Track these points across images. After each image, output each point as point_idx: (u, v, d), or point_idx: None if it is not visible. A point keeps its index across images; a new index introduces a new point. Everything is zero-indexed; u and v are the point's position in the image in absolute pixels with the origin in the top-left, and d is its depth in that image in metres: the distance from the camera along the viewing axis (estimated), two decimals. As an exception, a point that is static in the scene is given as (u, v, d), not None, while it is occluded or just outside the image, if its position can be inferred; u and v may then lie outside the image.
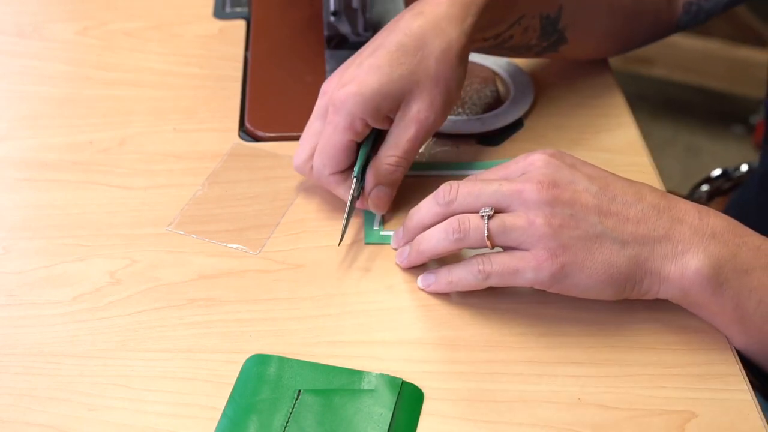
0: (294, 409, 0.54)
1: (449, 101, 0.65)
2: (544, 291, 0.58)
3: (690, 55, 1.92)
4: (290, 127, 0.76)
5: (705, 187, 1.08)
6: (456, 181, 0.59)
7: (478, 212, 0.57)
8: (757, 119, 1.98)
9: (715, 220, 0.56)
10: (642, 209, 0.56)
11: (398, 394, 0.55)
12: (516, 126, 0.76)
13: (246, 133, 0.76)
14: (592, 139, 0.75)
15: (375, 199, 0.65)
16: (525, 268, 0.56)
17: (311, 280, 0.63)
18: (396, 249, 0.64)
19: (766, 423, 0.55)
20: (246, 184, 0.71)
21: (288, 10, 0.91)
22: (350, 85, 0.62)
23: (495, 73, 0.81)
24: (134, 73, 0.83)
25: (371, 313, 0.61)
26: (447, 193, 0.59)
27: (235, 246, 0.65)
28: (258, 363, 0.57)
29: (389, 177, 0.65)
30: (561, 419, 0.54)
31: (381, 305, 0.61)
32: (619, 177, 0.59)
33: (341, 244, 0.64)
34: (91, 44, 0.87)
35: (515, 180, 0.57)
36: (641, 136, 0.76)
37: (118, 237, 0.66)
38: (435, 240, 0.59)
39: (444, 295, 0.61)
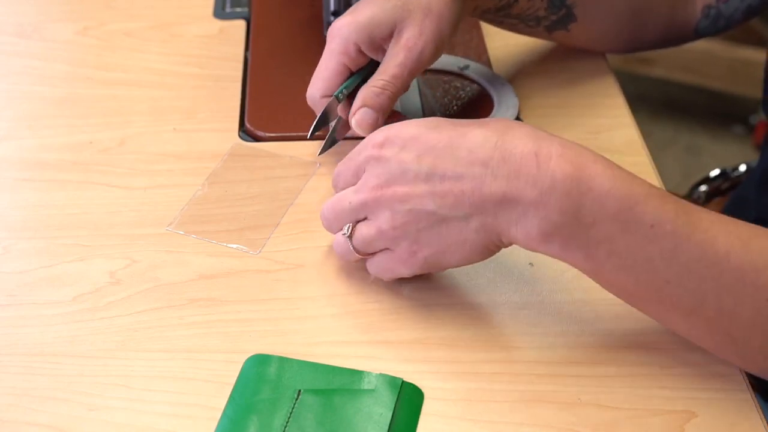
0: (294, 409, 0.54)
1: (439, 34, 0.67)
2: (544, 291, 0.58)
3: (690, 55, 1.92)
4: (290, 127, 0.76)
5: (703, 188, 1.08)
6: (324, 205, 0.61)
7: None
8: (757, 119, 1.98)
9: (557, 165, 0.52)
10: (474, 174, 0.53)
11: (398, 394, 0.55)
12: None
13: (246, 133, 0.76)
14: (592, 139, 0.75)
15: (358, 119, 0.67)
16: (396, 266, 0.59)
17: (311, 280, 0.63)
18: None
19: (766, 423, 0.55)
20: (246, 184, 0.71)
21: (288, 10, 0.91)
22: (347, 15, 0.67)
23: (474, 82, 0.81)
24: (134, 73, 0.83)
25: (371, 313, 0.61)
26: (322, 218, 0.61)
27: (235, 246, 0.65)
28: (258, 363, 0.57)
29: (375, 99, 0.66)
30: (561, 419, 0.54)
31: (381, 305, 0.61)
32: (454, 134, 0.55)
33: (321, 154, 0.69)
34: (91, 44, 0.87)
35: (358, 190, 0.58)
36: (641, 136, 0.76)
37: (118, 237, 0.66)
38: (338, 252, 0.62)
39: (445, 295, 0.61)
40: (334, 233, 0.61)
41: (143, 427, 0.54)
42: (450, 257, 0.57)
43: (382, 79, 0.66)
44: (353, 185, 0.59)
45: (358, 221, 0.59)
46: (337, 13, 0.81)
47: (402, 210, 0.56)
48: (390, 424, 0.53)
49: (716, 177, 1.08)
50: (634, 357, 0.58)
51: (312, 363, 0.57)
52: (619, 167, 0.53)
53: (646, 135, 0.76)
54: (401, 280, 0.61)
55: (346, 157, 0.60)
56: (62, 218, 0.68)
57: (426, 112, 0.78)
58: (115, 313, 0.60)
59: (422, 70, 0.68)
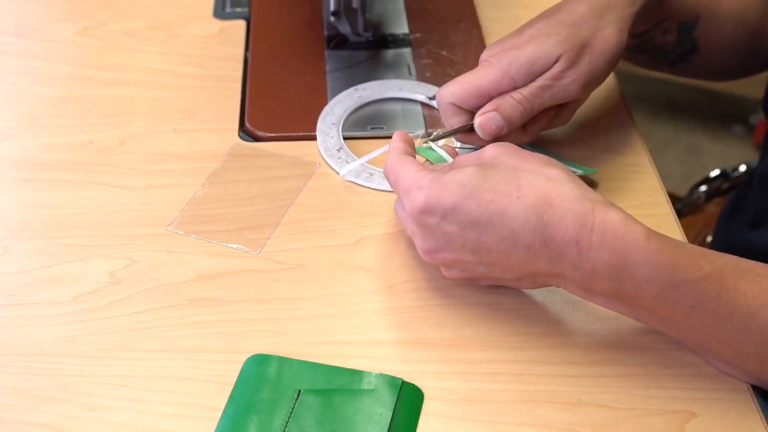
0: (294, 409, 0.54)
1: (593, 72, 0.66)
2: (543, 291, 0.58)
3: (690, 55, 1.91)
4: (290, 127, 0.76)
5: (703, 188, 1.08)
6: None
7: None
8: (757, 119, 1.98)
9: (597, 254, 0.53)
10: (519, 254, 0.55)
11: (398, 394, 0.55)
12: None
13: (246, 133, 0.76)
14: (592, 139, 0.75)
15: (483, 121, 0.66)
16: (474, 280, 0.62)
17: (311, 280, 0.63)
18: None
19: (766, 423, 0.55)
20: (246, 184, 0.71)
21: (288, 10, 0.91)
22: (510, 43, 0.67)
23: None
24: (134, 73, 0.83)
25: (371, 313, 0.61)
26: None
27: (235, 246, 0.65)
28: (258, 363, 0.57)
29: (508, 109, 0.65)
30: (561, 419, 0.54)
31: (381, 305, 0.61)
32: (492, 209, 0.55)
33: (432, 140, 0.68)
34: (91, 44, 0.87)
35: (415, 239, 0.60)
36: (641, 136, 0.76)
37: (118, 237, 0.66)
38: None
39: (444, 295, 0.62)
40: None
41: (143, 427, 0.54)
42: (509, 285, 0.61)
43: (521, 94, 0.66)
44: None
45: None
46: (337, 13, 0.81)
47: (456, 270, 0.59)
48: (390, 424, 0.53)
49: (716, 177, 1.08)
50: (634, 357, 0.58)
51: (312, 363, 0.57)
52: (664, 242, 0.53)
53: (646, 135, 0.76)
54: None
55: (393, 179, 0.61)
56: (62, 218, 0.68)
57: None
58: (115, 313, 0.60)
59: (564, 101, 0.67)
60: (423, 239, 0.58)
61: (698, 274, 0.53)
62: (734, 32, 0.79)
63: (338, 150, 0.73)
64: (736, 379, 0.57)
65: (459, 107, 0.67)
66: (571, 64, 0.65)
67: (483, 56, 0.68)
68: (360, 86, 0.79)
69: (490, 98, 0.66)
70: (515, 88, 0.66)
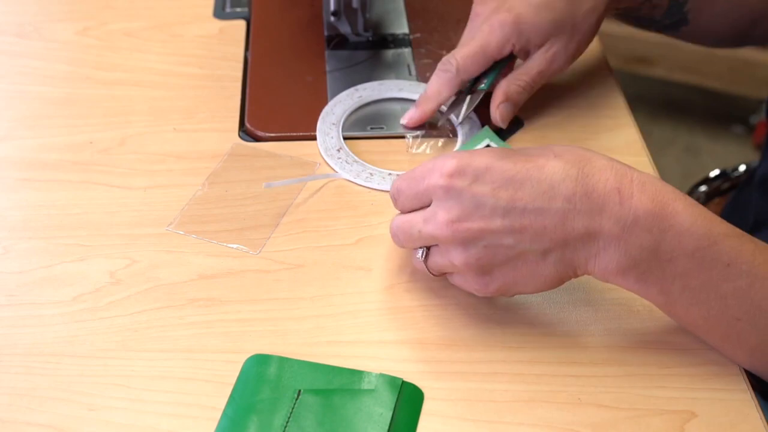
0: (294, 409, 0.54)
1: (577, 54, 0.75)
2: (544, 291, 0.58)
3: (690, 56, 1.92)
4: (290, 127, 0.76)
5: (703, 188, 1.08)
6: (394, 221, 0.59)
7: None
8: (757, 119, 1.98)
9: (639, 201, 0.52)
10: (557, 209, 0.53)
11: (398, 394, 0.55)
12: (516, 125, 0.77)
13: (246, 133, 0.76)
14: (592, 139, 0.75)
15: (502, 112, 0.73)
16: (471, 288, 0.58)
17: (311, 280, 0.63)
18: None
19: (766, 423, 0.55)
20: (246, 184, 0.71)
21: (288, 10, 0.91)
22: (507, 12, 0.72)
23: None
24: (134, 73, 0.83)
25: (371, 313, 0.61)
26: (392, 234, 0.60)
27: (235, 246, 0.65)
28: (258, 363, 0.57)
29: (515, 96, 0.73)
30: (561, 419, 0.54)
31: (381, 305, 0.61)
32: (530, 166, 0.54)
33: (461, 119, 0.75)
34: (91, 44, 0.87)
35: (427, 220, 0.56)
36: (641, 136, 0.76)
37: (118, 237, 0.66)
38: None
39: (444, 295, 0.61)
40: (403, 248, 0.62)
41: (143, 427, 0.54)
42: (521, 288, 0.56)
43: (524, 79, 0.73)
44: (417, 209, 0.57)
45: (432, 246, 0.58)
46: (337, 13, 0.81)
47: (476, 247, 0.54)
48: (390, 424, 0.53)
49: (716, 177, 1.08)
50: (634, 357, 0.58)
51: (312, 363, 0.57)
52: (699, 205, 0.54)
53: (646, 135, 0.76)
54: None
55: (408, 173, 0.58)
56: (62, 218, 0.68)
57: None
58: (115, 313, 0.60)
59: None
60: (448, 209, 0.54)
61: (733, 231, 0.53)
62: (727, 6, 0.79)
63: (338, 150, 0.73)
64: (758, 373, 0.57)
65: (453, 72, 0.73)
66: (564, 50, 0.73)
67: (478, 9, 0.74)
68: (360, 86, 0.79)
69: (493, 61, 0.73)
70: (509, 53, 0.73)
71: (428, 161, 0.57)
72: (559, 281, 0.56)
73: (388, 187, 0.70)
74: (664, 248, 0.52)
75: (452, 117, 0.75)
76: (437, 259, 0.57)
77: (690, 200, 0.53)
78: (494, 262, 0.55)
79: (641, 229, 0.52)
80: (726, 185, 1.08)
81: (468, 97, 0.75)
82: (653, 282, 0.53)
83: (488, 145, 0.73)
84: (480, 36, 0.72)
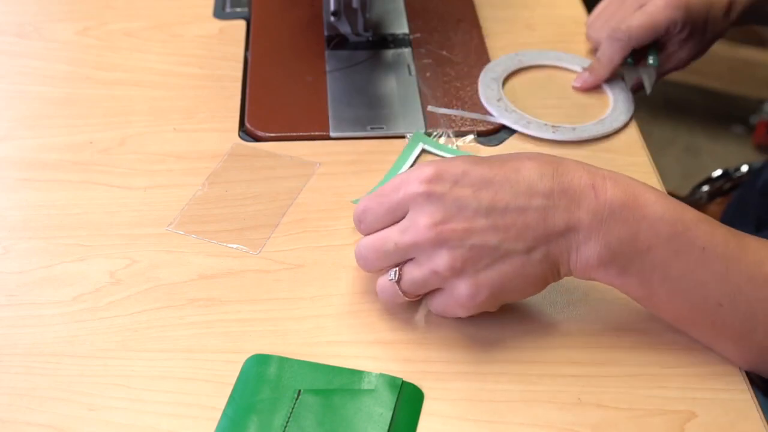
0: (294, 409, 0.54)
1: (702, 49, 0.86)
2: (543, 291, 0.58)
3: (690, 55, 1.91)
4: (290, 127, 0.76)
5: (706, 188, 1.08)
6: (360, 243, 0.57)
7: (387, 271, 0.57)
8: (757, 119, 1.98)
9: (613, 194, 0.54)
10: (537, 206, 0.54)
11: (398, 394, 0.55)
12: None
13: (246, 133, 0.76)
14: (592, 139, 0.75)
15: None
16: (454, 307, 0.56)
17: (311, 280, 0.63)
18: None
19: (766, 423, 0.55)
20: (246, 184, 0.71)
21: (288, 10, 0.91)
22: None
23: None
24: (134, 73, 0.83)
25: (371, 313, 0.61)
26: (360, 262, 0.58)
27: (235, 246, 0.65)
28: (258, 363, 0.57)
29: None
30: (561, 419, 0.54)
31: (381, 305, 0.61)
32: (506, 169, 0.55)
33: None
34: (91, 44, 0.87)
35: (405, 230, 0.55)
36: (641, 136, 0.76)
37: (118, 237, 0.66)
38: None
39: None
40: (372, 271, 0.59)
41: (143, 427, 0.54)
42: (508, 294, 0.56)
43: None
44: (390, 224, 0.56)
45: (405, 262, 0.56)
46: (337, 13, 0.81)
47: (462, 248, 0.54)
48: (390, 424, 0.53)
49: (718, 177, 1.08)
50: (634, 357, 0.58)
51: (312, 363, 0.57)
52: (669, 196, 0.55)
53: (646, 135, 0.76)
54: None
55: (376, 192, 0.57)
56: (62, 218, 0.68)
57: (425, 111, 0.78)
58: (115, 313, 0.60)
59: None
60: (430, 213, 0.54)
61: (705, 217, 0.55)
62: None
63: (498, 100, 0.78)
64: (751, 368, 0.57)
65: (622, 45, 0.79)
66: (687, 42, 0.82)
67: None
68: (521, 52, 0.84)
69: (659, 37, 0.80)
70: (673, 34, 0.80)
71: (395, 178, 0.57)
72: (544, 282, 0.56)
73: (545, 136, 0.75)
74: (641, 237, 0.53)
75: (646, 85, 0.81)
76: (414, 274, 0.55)
77: (660, 192, 0.55)
78: (479, 265, 0.54)
79: (617, 221, 0.53)
80: (728, 185, 1.08)
81: (645, 74, 0.81)
82: (633, 273, 0.54)
83: (423, 150, 0.74)
84: (652, 10, 0.78)
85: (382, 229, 0.57)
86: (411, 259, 0.56)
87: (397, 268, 0.56)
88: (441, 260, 0.54)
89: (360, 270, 0.63)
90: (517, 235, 0.54)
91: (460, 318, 0.59)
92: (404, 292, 0.57)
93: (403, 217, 0.56)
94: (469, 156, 0.57)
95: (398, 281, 0.56)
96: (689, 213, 0.54)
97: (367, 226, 0.57)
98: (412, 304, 0.61)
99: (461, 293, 0.55)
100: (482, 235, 0.54)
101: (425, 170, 0.55)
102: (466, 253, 0.54)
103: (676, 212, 0.54)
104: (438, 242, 0.54)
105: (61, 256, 0.65)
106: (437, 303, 0.57)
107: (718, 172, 1.09)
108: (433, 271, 0.54)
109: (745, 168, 1.08)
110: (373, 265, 0.57)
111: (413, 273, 0.56)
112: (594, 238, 0.54)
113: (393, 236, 0.55)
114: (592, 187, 0.54)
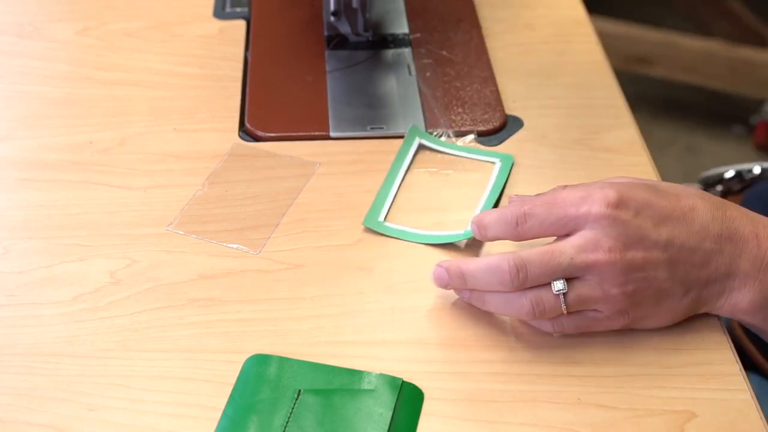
0: (294, 409, 0.54)
1: None
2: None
3: (690, 55, 1.92)
4: (290, 127, 0.76)
5: (719, 188, 1.08)
6: (522, 255, 0.55)
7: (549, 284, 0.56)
8: (757, 119, 1.98)
9: None
10: (706, 250, 0.56)
11: (398, 394, 0.55)
12: (516, 125, 0.77)
13: (246, 133, 0.76)
14: (592, 139, 0.75)
15: None
16: (597, 326, 0.58)
17: (311, 280, 0.63)
18: (439, 286, 0.60)
19: (766, 423, 0.55)
20: (246, 184, 0.71)
21: (288, 10, 0.91)
22: None
23: None
24: (134, 73, 0.83)
25: (371, 313, 0.61)
26: (516, 275, 0.55)
27: (235, 246, 0.65)
28: (258, 363, 0.57)
29: None
30: (561, 419, 0.54)
31: (381, 305, 0.61)
32: (683, 206, 0.56)
33: None
34: (91, 44, 0.87)
35: (584, 248, 0.55)
36: (641, 136, 0.76)
37: (118, 237, 0.66)
38: (507, 309, 0.58)
39: (443, 295, 0.61)
40: (520, 285, 0.56)
41: (143, 427, 0.54)
42: (651, 322, 0.58)
43: None
44: (551, 234, 0.57)
45: (569, 279, 0.55)
46: (337, 13, 0.80)
47: (636, 277, 0.55)
48: (390, 424, 0.53)
49: (731, 178, 1.08)
50: (634, 357, 0.58)
51: (312, 363, 0.57)
52: None
53: (646, 135, 0.76)
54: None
55: (543, 200, 0.57)
56: (62, 218, 0.68)
57: (425, 111, 0.78)
58: (115, 313, 0.60)
59: None
60: (614, 237, 0.54)
61: None
62: None
63: None
64: None
65: None
66: None
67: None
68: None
69: None
70: None
71: (569, 190, 0.57)
72: (682, 318, 0.58)
73: None
74: None
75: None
76: (584, 292, 0.55)
77: None
78: (645, 295, 0.56)
79: None
80: (738, 186, 1.08)
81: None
82: None
83: (420, 144, 0.73)
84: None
85: (539, 236, 0.57)
86: (576, 277, 0.56)
87: (565, 282, 0.55)
88: (616, 284, 0.55)
89: (360, 270, 0.63)
90: (684, 272, 0.56)
91: (459, 318, 0.59)
92: (568, 306, 0.56)
93: (569, 233, 0.56)
94: (644, 183, 0.58)
95: (565, 294, 0.55)
96: None
97: (525, 231, 0.57)
98: (412, 304, 0.61)
99: (614, 312, 0.56)
100: (656, 267, 0.55)
101: (609, 193, 0.55)
102: (639, 283, 0.55)
103: None
104: (615, 268, 0.55)
105: (61, 256, 0.65)
106: (578, 322, 0.57)
107: (730, 173, 1.09)
108: (606, 292, 0.55)
109: (757, 170, 1.08)
110: (533, 275, 0.55)
111: (583, 290, 0.56)
112: (750, 286, 0.56)
113: (568, 251, 0.55)
114: (756, 236, 0.56)
